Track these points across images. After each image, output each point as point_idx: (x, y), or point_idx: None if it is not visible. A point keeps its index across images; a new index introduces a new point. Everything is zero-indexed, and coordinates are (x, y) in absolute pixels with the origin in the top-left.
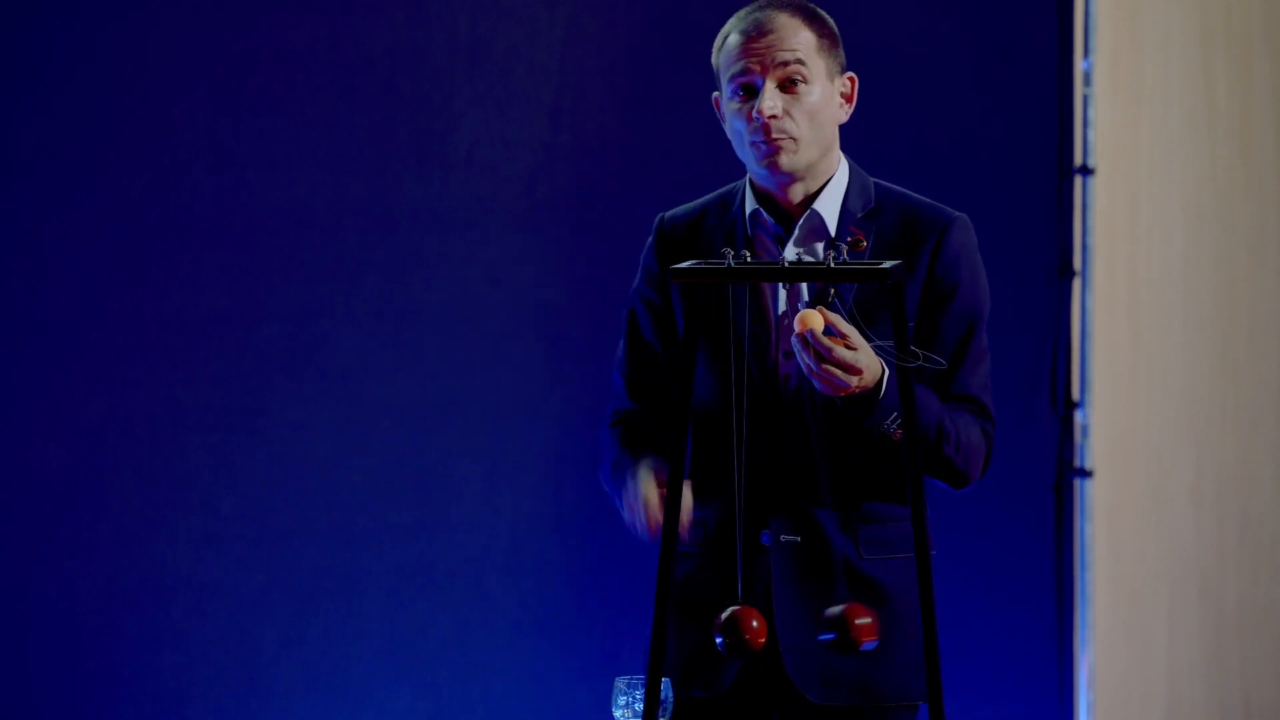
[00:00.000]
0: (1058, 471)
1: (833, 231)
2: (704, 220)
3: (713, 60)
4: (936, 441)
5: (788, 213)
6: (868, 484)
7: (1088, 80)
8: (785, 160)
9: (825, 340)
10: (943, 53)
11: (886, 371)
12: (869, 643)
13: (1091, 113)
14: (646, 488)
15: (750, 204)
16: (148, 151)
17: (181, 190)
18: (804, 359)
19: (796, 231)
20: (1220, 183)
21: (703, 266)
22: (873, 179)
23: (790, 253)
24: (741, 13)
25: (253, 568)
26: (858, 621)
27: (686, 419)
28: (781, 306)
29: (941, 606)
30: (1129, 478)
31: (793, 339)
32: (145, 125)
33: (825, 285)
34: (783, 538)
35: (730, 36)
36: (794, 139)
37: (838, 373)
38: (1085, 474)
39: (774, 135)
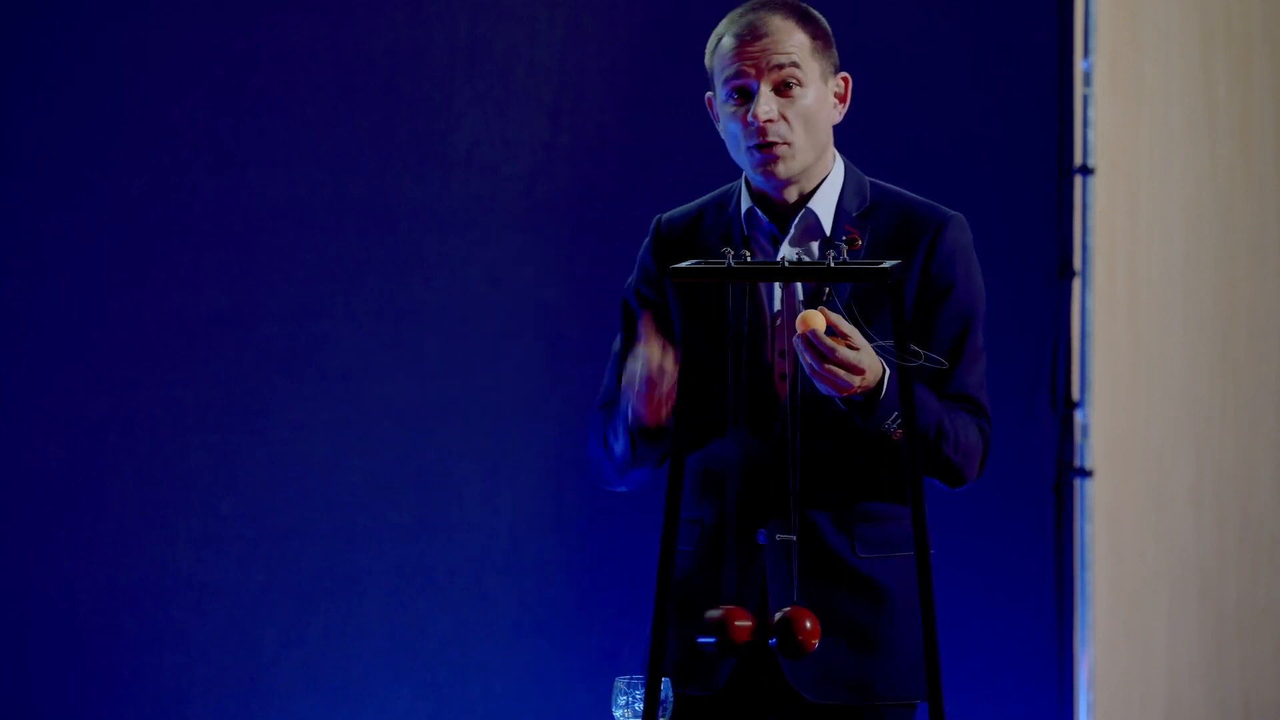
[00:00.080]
0: (1058, 471)
1: (828, 231)
2: (701, 221)
3: (706, 62)
4: (936, 441)
5: (783, 211)
6: (865, 483)
7: (1088, 80)
8: (782, 169)
9: (828, 340)
10: (942, 53)
11: (887, 371)
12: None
13: (1091, 113)
14: (644, 348)
15: (745, 203)
16: (148, 151)
17: (181, 190)
18: (806, 359)
19: (792, 230)
20: (1220, 183)
21: (702, 266)
22: (868, 178)
23: (785, 252)
24: (735, 14)
25: (253, 568)
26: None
27: (686, 418)
28: (776, 305)
29: (941, 606)
30: (1129, 478)
31: (795, 339)
32: (145, 125)
33: (820, 284)
34: (778, 537)
35: (724, 39)
36: (789, 144)
37: (840, 373)
38: (1085, 474)
39: (770, 139)
